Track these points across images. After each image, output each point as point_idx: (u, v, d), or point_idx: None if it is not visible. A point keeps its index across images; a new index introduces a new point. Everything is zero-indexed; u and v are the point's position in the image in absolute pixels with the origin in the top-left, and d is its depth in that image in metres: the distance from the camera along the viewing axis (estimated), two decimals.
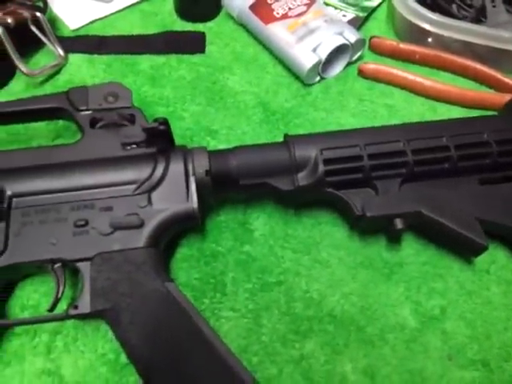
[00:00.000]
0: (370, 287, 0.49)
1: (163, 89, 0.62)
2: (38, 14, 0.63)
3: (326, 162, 0.48)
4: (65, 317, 0.43)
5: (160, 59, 0.66)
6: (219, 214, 0.53)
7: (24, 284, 0.48)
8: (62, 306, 0.45)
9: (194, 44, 0.67)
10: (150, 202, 0.46)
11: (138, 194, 0.46)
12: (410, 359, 0.45)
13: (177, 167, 0.47)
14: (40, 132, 0.58)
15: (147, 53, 0.66)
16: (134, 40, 0.67)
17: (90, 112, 0.51)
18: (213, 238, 0.51)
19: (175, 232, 0.49)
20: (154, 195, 0.47)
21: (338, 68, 0.65)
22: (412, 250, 0.51)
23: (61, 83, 0.63)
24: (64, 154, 0.48)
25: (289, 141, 0.49)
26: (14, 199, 0.45)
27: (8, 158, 0.48)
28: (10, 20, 0.59)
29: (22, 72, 0.60)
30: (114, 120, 0.51)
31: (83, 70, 0.64)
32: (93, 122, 0.50)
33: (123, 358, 0.44)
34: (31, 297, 0.47)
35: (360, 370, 0.45)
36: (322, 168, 0.47)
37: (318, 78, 0.63)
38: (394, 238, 0.52)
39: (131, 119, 0.51)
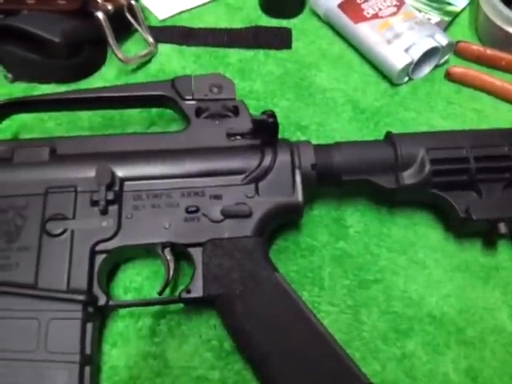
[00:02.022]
0: (468, 290, 0.49)
1: (253, 83, 0.63)
2: (133, 1, 0.63)
3: (433, 161, 0.48)
4: (177, 300, 0.44)
5: (248, 53, 0.66)
6: (312, 209, 0.53)
7: (126, 267, 0.49)
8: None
9: (280, 40, 0.67)
10: (257, 192, 0.47)
11: (246, 183, 0.47)
12: (511, 363, 0.45)
13: (284, 159, 0.48)
14: (134, 119, 0.59)
15: (234, 46, 0.67)
16: (222, 33, 0.67)
17: (195, 102, 0.51)
18: (307, 232, 0.52)
19: (278, 223, 0.49)
20: (261, 186, 0.47)
21: (425, 70, 0.65)
22: (507, 255, 0.51)
23: (152, 72, 0.64)
24: (172, 141, 0.49)
25: (394, 139, 0.49)
26: (126, 182, 0.46)
27: (118, 141, 0.49)
28: (110, 7, 0.60)
29: (118, 58, 0.61)
30: (218, 111, 0.51)
31: (173, 60, 0.65)
32: (198, 112, 0.51)
33: (227, 345, 0.45)
34: (134, 280, 0.48)
35: (462, 370, 0.45)
36: (429, 167, 0.47)
37: (406, 79, 0.63)
38: (491, 243, 0.51)
39: (235, 111, 0.51)
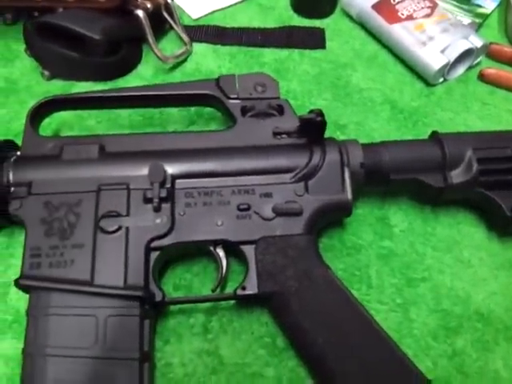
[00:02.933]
0: None
1: (290, 82, 0.63)
2: (169, 0, 0.63)
3: (480, 161, 0.48)
4: (232, 297, 0.44)
5: (282, 53, 0.67)
6: (356, 207, 0.53)
7: (175, 264, 0.49)
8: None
9: (314, 40, 0.68)
10: (306, 190, 0.47)
11: (296, 181, 0.47)
12: None
13: (333, 158, 0.48)
14: (174, 117, 0.59)
15: (268, 46, 0.67)
16: (256, 33, 0.68)
17: (240, 101, 0.51)
18: (352, 231, 0.52)
19: (326, 221, 0.49)
20: (311, 184, 0.47)
21: (459, 71, 0.65)
22: None
23: (189, 71, 0.64)
24: (220, 140, 0.49)
25: (441, 138, 0.49)
26: (177, 180, 0.46)
27: (166, 140, 0.49)
28: (149, 5, 0.60)
29: (157, 57, 0.61)
30: (263, 109, 0.51)
31: (209, 59, 0.65)
32: (243, 111, 0.51)
33: (280, 342, 0.45)
34: (183, 277, 0.48)
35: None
36: (476, 167, 0.48)
37: (441, 79, 0.64)
38: None
39: (279, 110, 0.51)
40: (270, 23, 0.70)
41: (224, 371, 0.44)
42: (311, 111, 0.48)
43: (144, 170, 0.46)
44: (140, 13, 0.59)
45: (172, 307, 0.46)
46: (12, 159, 0.47)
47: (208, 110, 0.59)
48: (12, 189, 0.45)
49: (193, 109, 0.59)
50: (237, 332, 0.46)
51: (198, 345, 0.45)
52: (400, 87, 0.64)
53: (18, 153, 0.48)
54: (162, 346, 0.45)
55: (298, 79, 0.64)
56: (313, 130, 0.48)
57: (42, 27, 0.59)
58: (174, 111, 0.59)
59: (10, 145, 0.49)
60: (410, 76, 0.65)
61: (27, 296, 0.43)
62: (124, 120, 0.58)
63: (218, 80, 0.52)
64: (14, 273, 0.48)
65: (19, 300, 0.47)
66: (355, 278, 0.49)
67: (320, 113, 0.47)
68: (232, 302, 0.47)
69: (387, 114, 0.61)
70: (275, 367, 0.44)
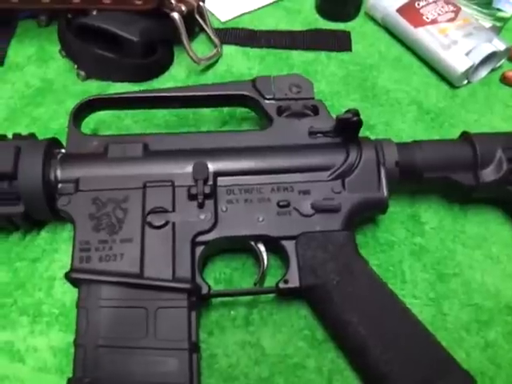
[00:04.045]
0: None
1: (319, 83, 0.65)
2: (201, 3, 0.65)
3: (510, 160, 0.50)
4: (274, 290, 0.46)
5: (309, 55, 0.68)
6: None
7: (215, 259, 0.50)
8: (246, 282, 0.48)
9: (341, 42, 0.69)
10: (344, 187, 0.48)
11: (333, 179, 0.49)
12: None
13: (369, 156, 0.50)
14: (207, 117, 0.61)
15: (296, 48, 0.69)
16: (284, 35, 0.69)
17: (276, 101, 0.53)
18: (385, 228, 0.54)
19: (362, 218, 0.51)
20: (348, 182, 0.49)
21: (482, 73, 0.67)
22: None
23: (220, 72, 0.66)
24: (258, 139, 0.51)
25: (472, 137, 0.51)
26: (219, 178, 0.48)
27: (207, 139, 0.51)
28: (183, 7, 0.61)
29: (192, 59, 0.62)
30: (299, 110, 0.53)
31: (239, 61, 0.67)
32: (279, 111, 0.53)
33: (319, 335, 0.47)
34: (223, 271, 0.50)
35: None
36: (506, 166, 0.50)
37: (465, 81, 0.66)
38: None
39: (314, 110, 0.53)
40: (297, 26, 0.72)
41: (267, 362, 0.45)
42: (347, 111, 0.50)
43: (187, 168, 0.47)
44: (175, 15, 0.60)
45: (214, 301, 0.48)
46: (58, 157, 0.48)
47: (240, 110, 0.60)
48: (60, 185, 0.46)
49: (225, 109, 0.61)
50: (277, 325, 0.47)
51: (241, 336, 0.46)
52: (425, 89, 0.65)
53: (63, 150, 0.49)
54: (206, 337, 0.46)
55: (326, 80, 0.65)
56: (349, 129, 0.50)
57: (79, 29, 0.61)
58: (207, 112, 0.61)
59: (55, 143, 0.50)
60: (434, 78, 0.67)
61: (72, 290, 0.44)
62: (159, 120, 0.60)
63: (254, 81, 0.54)
64: (58, 267, 0.50)
65: (64, 294, 0.48)
66: (389, 273, 0.51)
67: (356, 112, 0.49)
68: (271, 296, 0.48)
69: (414, 114, 0.63)
70: (316, 358, 0.46)
